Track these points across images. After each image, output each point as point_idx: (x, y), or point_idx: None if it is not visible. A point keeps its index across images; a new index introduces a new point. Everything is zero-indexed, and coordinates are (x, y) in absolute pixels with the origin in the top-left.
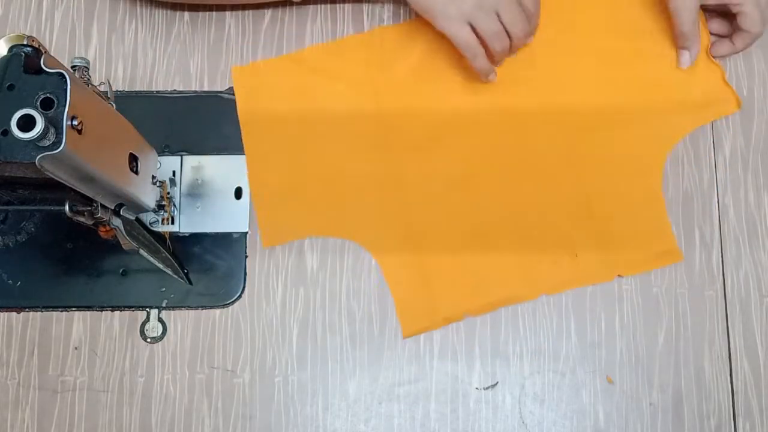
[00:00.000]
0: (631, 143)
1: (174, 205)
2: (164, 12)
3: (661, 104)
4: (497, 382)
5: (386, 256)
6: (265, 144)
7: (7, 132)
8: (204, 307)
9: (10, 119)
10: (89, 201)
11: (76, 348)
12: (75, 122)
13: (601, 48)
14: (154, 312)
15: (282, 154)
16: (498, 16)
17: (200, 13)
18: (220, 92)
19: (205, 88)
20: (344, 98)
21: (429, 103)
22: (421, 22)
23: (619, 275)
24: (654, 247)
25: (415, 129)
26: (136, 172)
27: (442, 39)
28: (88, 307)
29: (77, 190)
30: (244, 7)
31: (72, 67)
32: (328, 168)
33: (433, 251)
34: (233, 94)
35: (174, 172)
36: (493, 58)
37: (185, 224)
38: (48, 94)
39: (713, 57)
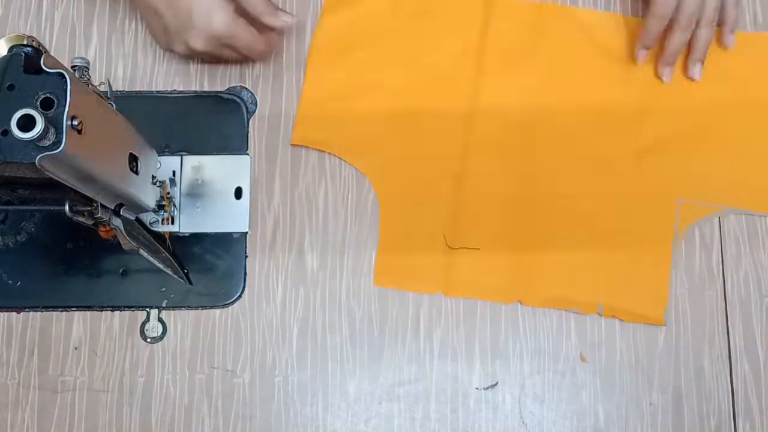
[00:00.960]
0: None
1: (174, 205)
2: None
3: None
4: (497, 382)
5: (390, 201)
6: (333, 45)
7: (7, 132)
8: (204, 307)
9: (10, 119)
10: (89, 201)
11: (76, 348)
12: (75, 122)
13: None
14: (154, 312)
15: (345, 65)
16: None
17: None
18: (220, 92)
19: (205, 88)
20: (436, 47)
21: (518, 98)
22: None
23: (599, 314)
24: (641, 309)
25: (493, 121)
26: (136, 172)
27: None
28: (88, 307)
29: (77, 190)
30: None
31: (72, 67)
32: (382, 100)
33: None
34: (233, 94)
35: (174, 172)
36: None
37: (185, 224)
38: (48, 94)
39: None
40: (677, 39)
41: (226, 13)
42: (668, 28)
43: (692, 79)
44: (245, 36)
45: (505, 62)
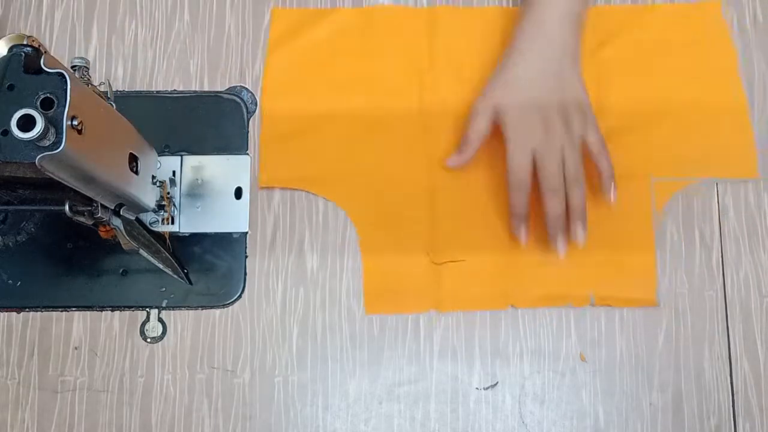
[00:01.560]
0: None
1: (174, 205)
2: (164, 12)
3: (681, 149)
4: (497, 382)
5: (367, 228)
6: (284, 82)
7: (7, 132)
8: (204, 307)
9: (10, 119)
10: (89, 201)
11: (76, 348)
12: (75, 122)
13: (659, 84)
14: (154, 312)
15: (299, 99)
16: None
17: (200, 13)
18: (220, 92)
19: (205, 88)
20: (385, 64)
21: (469, 96)
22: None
23: (592, 304)
24: (632, 293)
25: (453, 128)
26: (136, 172)
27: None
28: (88, 307)
29: (77, 190)
30: None
31: (72, 67)
32: (342, 127)
33: (420, 239)
34: (233, 94)
35: (174, 172)
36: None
37: (185, 224)
38: (48, 94)
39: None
40: (551, 205)
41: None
42: (542, 197)
43: (577, 243)
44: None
45: (455, 69)
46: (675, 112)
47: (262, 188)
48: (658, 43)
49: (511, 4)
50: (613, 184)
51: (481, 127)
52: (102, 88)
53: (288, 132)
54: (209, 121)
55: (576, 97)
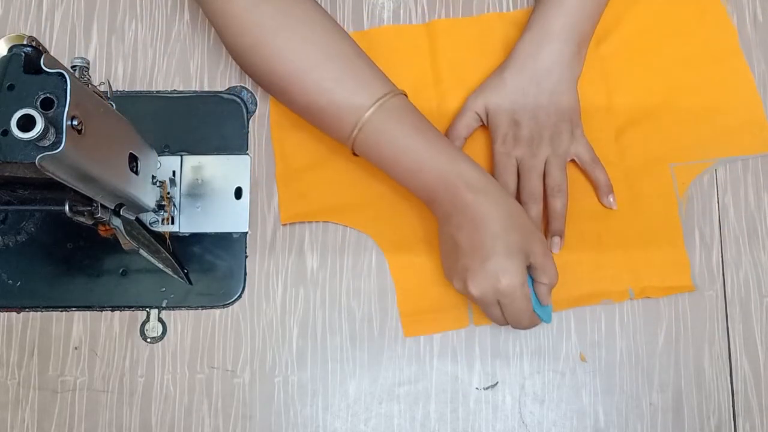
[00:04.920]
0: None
1: (174, 205)
2: (164, 12)
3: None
4: (497, 382)
5: (396, 253)
6: (291, 115)
7: (7, 132)
8: (204, 307)
9: (10, 119)
10: (89, 201)
11: (76, 348)
12: (75, 122)
13: (656, 66)
14: (154, 312)
15: (308, 130)
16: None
17: (200, 13)
18: (220, 92)
19: (205, 88)
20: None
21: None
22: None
23: (630, 298)
24: (669, 281)
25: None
26: (136, 172)
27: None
28: (88, 307)
29: (77, 190)
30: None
31: (72, 67)
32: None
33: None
34: (233, 94)
35: (174, 172)
36: None
37: (185, 224)
38: (48, 94)
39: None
40: (528, 214)
41: (517, 277)
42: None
43: (553, 250)
44: (521, 307)
45: (459, 80)
46: (684, 97)
47: (284, 225)
48: (656, 30)
49: (511, 8)
50: (611, 194)
51: (470, 122)
52: (102, 88)
53: (302, 166)
54: (209, 121)
55: (568, 109)
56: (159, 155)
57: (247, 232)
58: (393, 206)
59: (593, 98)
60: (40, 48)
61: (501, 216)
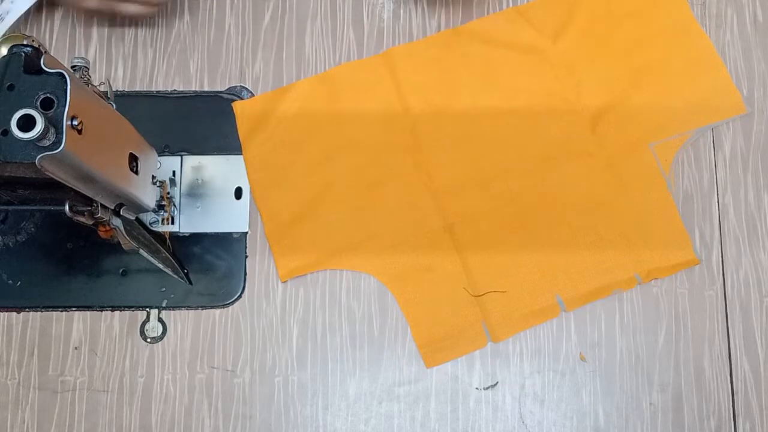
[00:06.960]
0: (636, 145)
1: (174, 205)
2: (164, 12)
3: (666, 101)
4: (497, 382)
5: (400, 286)
6: (269, 172)
7: (7, 132)
8: (204, 307)
9: (10, 119)
10: (89, 201)
11: (76, 348)
12: (75, 122)
13: (619, 51)
14: (154, 312)
15: (289, 184)
16: None
17: (200, 13)
18: (220, 92)
19: (205, 88)
20: (362, 121)
21: (458, 126)
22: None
23: (639, 283)
24: (673, 258)
25: (448, 157)
26: (136, 172)
27: (463, 53)
28: (88, 307)
29: (77, 190)
30: None
31: (72, 67)
32: (340, 196)
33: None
34: (233, 94)
35: (174, 172)
36: None
37: (185, 224)
38: (48, 94)
39: None
40: None
41: None
42: None
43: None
44: None
45: (428, 103)
46: (650, 76)
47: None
48: (610, 16)
49: (460, 23)
50: None
51: None
52: (102, 88)
53: (289, 219)
54: (209, 121)
55: None
56: (159, 155)
57: (247, 232)
58: (386, 240)
59: (563, 94)
60: (40, 48)
61: None
